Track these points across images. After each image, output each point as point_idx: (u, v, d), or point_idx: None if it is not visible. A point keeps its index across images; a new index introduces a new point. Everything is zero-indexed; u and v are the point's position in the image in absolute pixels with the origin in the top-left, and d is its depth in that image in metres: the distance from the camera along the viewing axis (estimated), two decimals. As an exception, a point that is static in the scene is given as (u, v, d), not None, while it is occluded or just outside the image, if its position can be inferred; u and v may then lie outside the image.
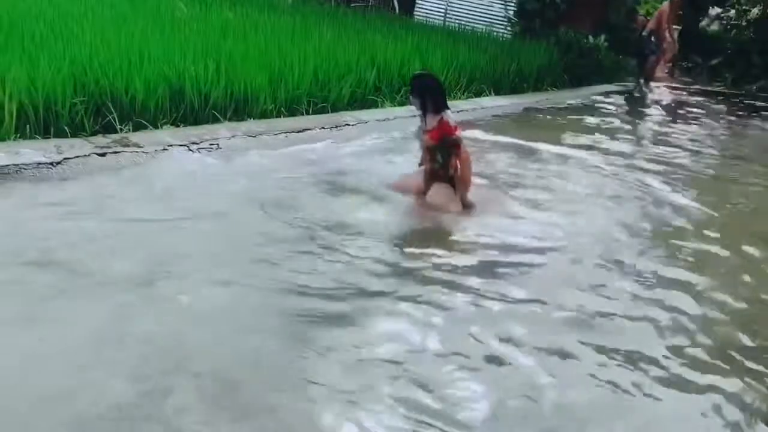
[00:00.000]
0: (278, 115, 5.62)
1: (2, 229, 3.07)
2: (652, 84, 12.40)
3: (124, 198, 3.66)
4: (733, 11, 14.37)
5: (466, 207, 4.11)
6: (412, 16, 12.89)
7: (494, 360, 2.56)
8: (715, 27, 15.15)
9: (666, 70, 13.72)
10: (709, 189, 5.72)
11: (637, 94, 11.40)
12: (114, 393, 2.09)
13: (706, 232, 4.37)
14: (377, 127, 5.97)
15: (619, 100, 10.33)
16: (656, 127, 8.51)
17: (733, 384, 2.60)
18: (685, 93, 12.14)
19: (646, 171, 5.87)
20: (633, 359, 2.67)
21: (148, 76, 4.78)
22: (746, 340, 2.97)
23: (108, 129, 4.45)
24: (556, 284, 3.28)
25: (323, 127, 5.55)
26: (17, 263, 2.78)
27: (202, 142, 4.60)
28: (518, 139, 6.40)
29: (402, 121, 5.99)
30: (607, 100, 10.03)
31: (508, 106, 8.16)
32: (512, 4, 11.86)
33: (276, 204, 3.88)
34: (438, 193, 4.06)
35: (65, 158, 3.86)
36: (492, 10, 12.24)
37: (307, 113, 5.88)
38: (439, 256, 3.42)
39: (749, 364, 2.77)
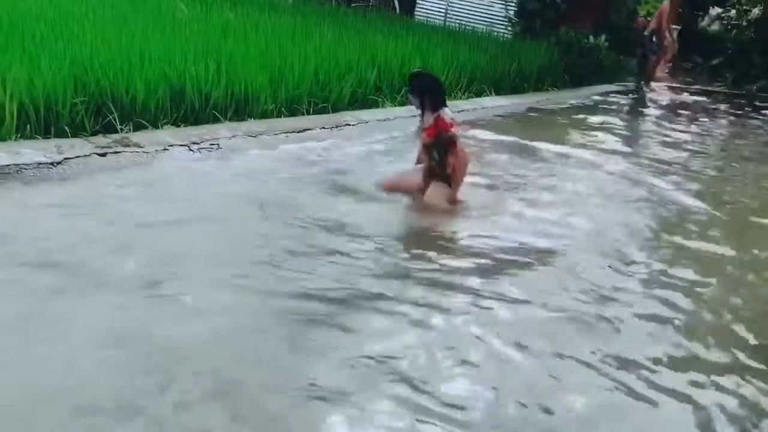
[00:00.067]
0: (279, 115, 5.62)
1: (2, 229, 3.07)
2: (653, 84, 12.40)
3: (125, 198, 3.66)
4: (733, 11, 14.37)
5: (454, 203, 4.11)
6: (413, 16, 12.89)
7: (494, 361, 2.56)
8: (715, 27, 15.15)
9: (666, 70, 13.71)
10: (711, 188, 5.72)
11: (637, 94, 11.40)
12: (114, 392, 2.09)
13: (708, 231, 4.38)
14: (378, 127, 5.97)
15: (620, 100, 10.33)
16: (657, 127, 8.50)
17: (735, 383, 2.60)
18: (685, 93, 12.13)
19: (648, 170, 5.87)
20: (634, 360, 2.67)
21: (148, 76, 4.78)
22: (750, 340, 2.96)
23: (108, 129, 4.46)
24: (557, 285, 3.27)
25: (324, 127, 5.55)
26: (17, 263, 2.78)
27: (202, 142, 4.60)
28: (519, 138, 6.40)
29: (402, 121, 5.99)
30: (608, 100, 10.03)
31: (509, 106, 8.16)
32: (513, 4, 11.87)
33: (276, 204, 3.88)
34: (435, 192, 4.06)
35: (66, 158, 3.86)
36: (492, 10, 12.24)
37: (308, 113, 5.89)
38: (439, 257, 3.42)
39: (752, 363, 2.76)
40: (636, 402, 2.43)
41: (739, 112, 10.59)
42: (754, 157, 7.41)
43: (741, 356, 2.81)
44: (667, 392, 2.49)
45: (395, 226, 3.91)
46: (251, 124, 5.23)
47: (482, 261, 3.44)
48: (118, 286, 2.72)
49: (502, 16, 12.03)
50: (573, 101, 9.37)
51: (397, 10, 13.14)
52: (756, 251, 4.12)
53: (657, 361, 2.69)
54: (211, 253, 3.15)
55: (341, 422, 2.12)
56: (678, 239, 4.16)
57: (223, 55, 5.61)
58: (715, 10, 15.06)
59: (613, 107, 9.52)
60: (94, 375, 2.18)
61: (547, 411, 2.29)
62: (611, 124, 8.09)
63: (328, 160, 4.83)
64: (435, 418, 2.17)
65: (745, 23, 13.98)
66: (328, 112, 6.04)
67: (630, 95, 11.09)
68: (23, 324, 2.40)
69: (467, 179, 4.26)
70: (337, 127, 5.68)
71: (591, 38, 10.93)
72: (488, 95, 8.33)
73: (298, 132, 5.31)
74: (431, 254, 3.44)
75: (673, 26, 12.69)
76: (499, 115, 7.65)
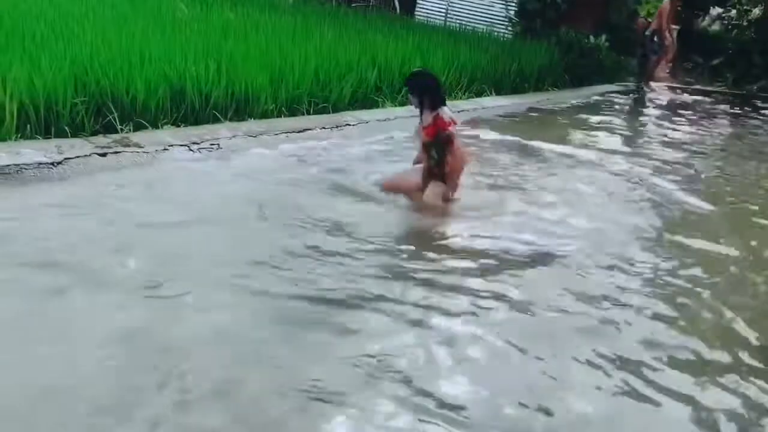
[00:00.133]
0: (279, 115, 5.62)
1: (2, 229, 3.07)
2: (653, 84, 12.39)
3: (125, 198, 3.67)
4: (734, 11, 14.35)
5: (446, 200, 4.10)
6: (413, 16, 12.89)
7: (494, 361, 2.56)
8: (716, 27, 15.12)
9: (667, 70, 13.70)
10: (714, 188, 5.72)
11: (638, 94, 11.39)
12: (113, 392, 2.10)
13: (709, 231, 4.37)
14: (378, 127, 5.97)
15: (621, 100, 10.33)
16: (657, 127, 8.50)
17: (737, 383, 2.60)
18: (686, 93, 12.12)
19: (649, 170, 5.87)
20: (635, 361, 2.67)
21: (148, 76, 4.78)
22: (752, 339, 2.96)
23: (109, 129, 4.46)
24: (557, 285, 3.27)
25: (324, 127, 5.55)
26: (17, 263, 2.78)
27: (202, 142, 4.60)
28: (520, 138, 6.40)
29: (403, 121, 5.99)
30: (609, 100, 10.03)
31: (509, 106, 8.16)
32: (513, 4, 11.86)
33: (276, 204, 3.88)
34: (434, 191, 4.06)
35: (66, 158, 3.86)
36: (493, 10, 12.23)
37: (308, 113, 5.89)
38: (439, 257, 3.42)
39: (755, 363, 2.76)
40: (637, 403, 2.42)
41: (740, 112, 10.58)
42: (754, 156, 7.40)
43: (743, 356, 2.81)
44: (668, 393, 2.49)
45: (395, 227, 3.91)
46: (251, 124, 5.23)
47: (482, 261, 3.44)
48: (118, 286, 2.73)
49: (502, 16, 12.03)
50: (573, 101, 9.37)
51: (398, 10, 13.13)
52: (758, 251, 4.12)
53: (658, 360, 2.69)
54: (211, 253, 3.15)
55: (342, 422, 2.12)
56: (679, 239, 4.16)
57: (223, 55, 5.61)
58: (715, 10, 15.04)
59: (614, 107, 9.52)
60: (94, 375, 2.18)
61: (547, 412, 2.29)
62: (612, 124, 8.09)
63: (328, 160, 4.83)
64: (435, 418, 2.17)
65: (745, 23, 13.96)
66: (329, 112, 6.04)
67: (630, 95, 11.09)
68: (23, 324, 2.40)
69: (467, 179, 4.26)
70: (337, 127, 5.68)
71: (591, 38, 10.92)
72: (489, 95, 8.33)
73: (299, 132, 5.31)
74: (431, 254, 3.44)
75: (673, 26, 12.66)
76: (500, 115, 7.65)
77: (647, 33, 12.30)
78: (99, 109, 4.51)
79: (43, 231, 3.09)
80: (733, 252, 4.02)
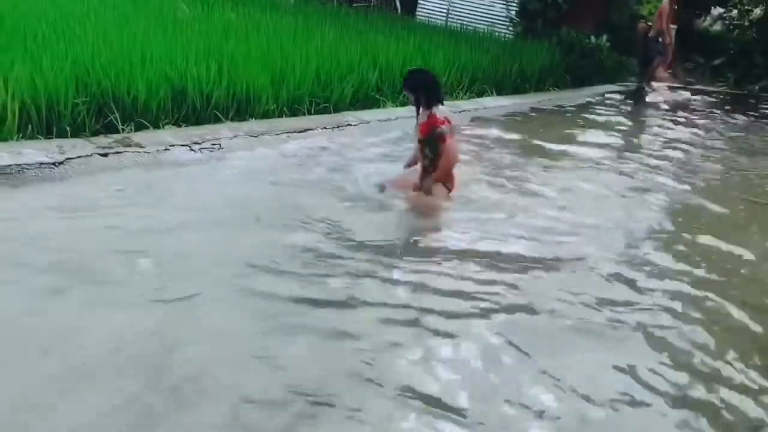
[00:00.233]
0: (280, 115, 5.63)
1: (3, 229, 3.07)
2: (655, 84, 12.38)
3: (126, 198, 3.67)
4: (735, 11, 14.33)
5: (427, 193, 4.08)
6: (414, 16, 12.88)
7: (494, 362, 2.55)
8: (717, 27, 15.11)
9: (669, 71, 13.69)
10: (717, 186, 5.72)
11: (639, 94, 11.39)
12: (113, 391, 2.10)
13: (713, 228, 4.38)
14: (379, 127, 5.98)
15: (622, 100, 10.32)
16: (659, 127, 8.50)
17: (743, 383, 2.60)
18: (687, 93, 12.12)
19: (650, 169, 5.87)
20: (636, 360, 2.66)
21: (150, 76, 4.79)
22: (761, 337, 2.95)
23: (110, 129, 4.46)
24: (558, 285, 3.27)
25: (325, 128, 5.55)
26: (17, 263, 2.78)
27: (204, 142, 4.60)
28: (521, 138, 6.41)
29: (404, 122, 5.98)
30: (610, 100, 10.02)
31: (511, 106, 8.16)
32: (514, 5, 11.86)
33: (277, 204, 3.88)
34: (431, 190, 4.06)
35: (67, 158, 3.86)
36: (494, 11, 12.23)
37: (309, 113, 5.89)
38: (440, 259, 3.42)
39: (761, 362, 2.76)
40: (637, 403, 2.42)
41: (741, 112, 10.57)
42: (756, 155, 7.40)
43: (754, 356, 2.80)
44: (669, 393, 2.49)
45: (395, 227, 3.91)
46: (252, 124, 5.23)
47: (483, 261, 3.43)
48: (118, 286, 2.73)
49: (503, 17, 12.02)
50: (575, 101, 9.37)
51: (399, 11, 13.13)
52: (763, 248, 4.11)
53: (660, 360, 2.69)
54: (211, 253, 3.15)
55: (341, 423, 2.12)
56: (683, 237, 4.16)
57: (224, 55, 5.62)
58: (717, 10, 15.03)
59: (615, 107, 9.51)
60: (93, 374, 2.18)
61: (547, 412, 2.29)
62: (613, 123, 8.09)
63: (329, 161, 4.83)
64: (435, 419, 2.17)
65: (746, 23, 13.94)
66: (330, 113, 6.04)
67: (632, 95, 11.08)
68: (23, 324, 2.40)
69: (468, 179, 4.26)
70: (338, 127, 5.68)
71: (592, 38, 10.92)
72: (490, 95, 8.33)
73: (300, 132, 5.32)
74: (432, 255, 3.44)
75: (671, 26, 12.65)
76: (501, 115, 7.65)
77: (650, 35, 12.28)
78: (100, 109, 4.52)
79: (43, 231, 3.10)
80: (740, 250, 4.01)
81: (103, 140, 4.24)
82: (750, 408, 2.46)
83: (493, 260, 3.46)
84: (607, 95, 10.32)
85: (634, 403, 2.42)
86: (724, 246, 4.05)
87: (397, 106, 6.71)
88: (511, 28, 11.79)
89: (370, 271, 3.14)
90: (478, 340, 2.66)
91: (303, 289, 2.88)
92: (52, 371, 2.17)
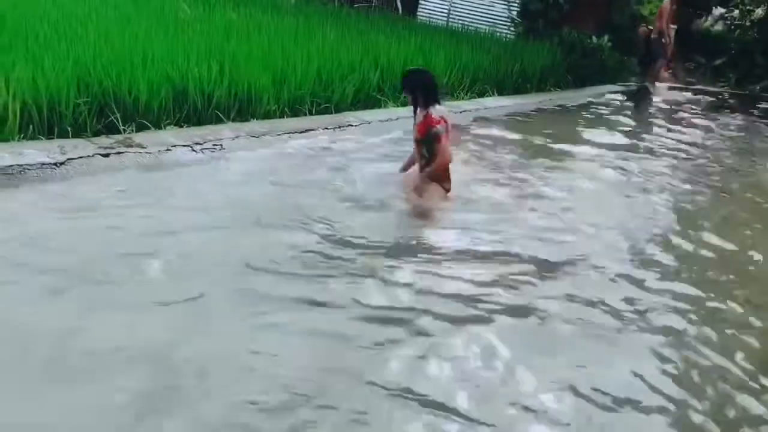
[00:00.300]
0: (281, 116, 5.63)
1: (3, 229, 3.07)
2: (656, 84, 12.37)
3: (127, 198, 3.67)
4: (736, 11, 14.32)
5: (416, 191, 4.09)
6: (415, 16, 12.88)
7: (494, 363, 2.55)
8: (718, 27, 15.10)
9: (669, 71, 13.68)
10: (718, 187, 5.71)
11: (640, 95, 11.37)
12: (113, 391, 2.10)
13: (718, 229, 4.37)
14: (380, 127, 5.97)
15: (623, 100, 10.31)
16: (660, 128, 8.49)
17: (746, 385, 2.59)
18: (688, 93, 12.11)
19: (654, 168, 5.87)
20: (636, 361, 2.66)
21: (151, 77, 4.79)
22: (765, 338, 2.95)
23: (111, 129, 4.47)
24: (559, 285, 3.27)
25: (326, 128, 5.55)
26: (19, 263, 2.78)
27: (205, 142, 4.60)
28: (522, 138, 6.40)
29: (405, 122, 5.94)
30: (611, 100, 10.02)
31: (512, 107, 8.15)
32: (515, 5, 11.85)
33: (277, 205, 3.88)
34: (430, 191, 4.06)
35: (69, 159, 3.87)
36: (495, 11, 12.22)
37: (311, 113, 5.89)
38: (440, 259, 3.42)
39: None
40: (639, 403, 2.42)
41: (742, 112, 10.57)
42: (758, 155, 7.39)
43: (754, 353, 2.79)
44: (671, 392, 2.49)
45: (395, 227, 3.90)
46: (254, 125, 5.23)
47: (484, 261, 3.44)
48: (118, 286, 2.73)
49: (504, 17, 12.01)
50: (576, 101, 9.36)
51: (400, 11, 13.13)
52: (766, 247, 4.10)
53: (663, 359, 2.69)
54: (211, 253, 3.15)
55: (341, 423, 2.13)
56: (686, 236, 4.16)
57: (225, 55, 5.62)
58: (718, 10, 15.01)
59: (617, 107, 9.50)
60: (93, 375, 2.18)
61: (547, 412, 2.29)
62: (614, 123, 8.08)
63: (330, 161, 4.83)
64: (435, 418, 2.17)
65: (748, 23, 13.93)
66: (331, 113, 6.05)
67: (633, 95, 11.07)
68: (23, 324, 2.40)
69: (468, 178, 4.26)
70: (339, 127, 5.68)
71: (594, 38, 10.90)
72: (491, 96, 8.33)
73: (301, 132, 5.32)
74: (432, 255, 3.44)
75: (672, 26, 12.63)
76: (503, 116, 7.64)
77: (653, 36, 12.27)
78: (102, 110, 4.52)
79: (44, 231, 3.10)
80: (743, 249, 4.00)
81: (104, 140, 4.25)
82: (753, 406, 2.46)
83: (494, 260, 3.46)
84: (608, 95, 10.32)
85: (635, 402, 2.42)
86: (726, 245, 4.04)
87: (398, 106, 6.71)
88: (512, 29, 11.79)
89: (370, 272, 3.13)
90: (478, 340, 2.66)
91: (303, 290, 2.88)
92: (52, 371, 2.18)
